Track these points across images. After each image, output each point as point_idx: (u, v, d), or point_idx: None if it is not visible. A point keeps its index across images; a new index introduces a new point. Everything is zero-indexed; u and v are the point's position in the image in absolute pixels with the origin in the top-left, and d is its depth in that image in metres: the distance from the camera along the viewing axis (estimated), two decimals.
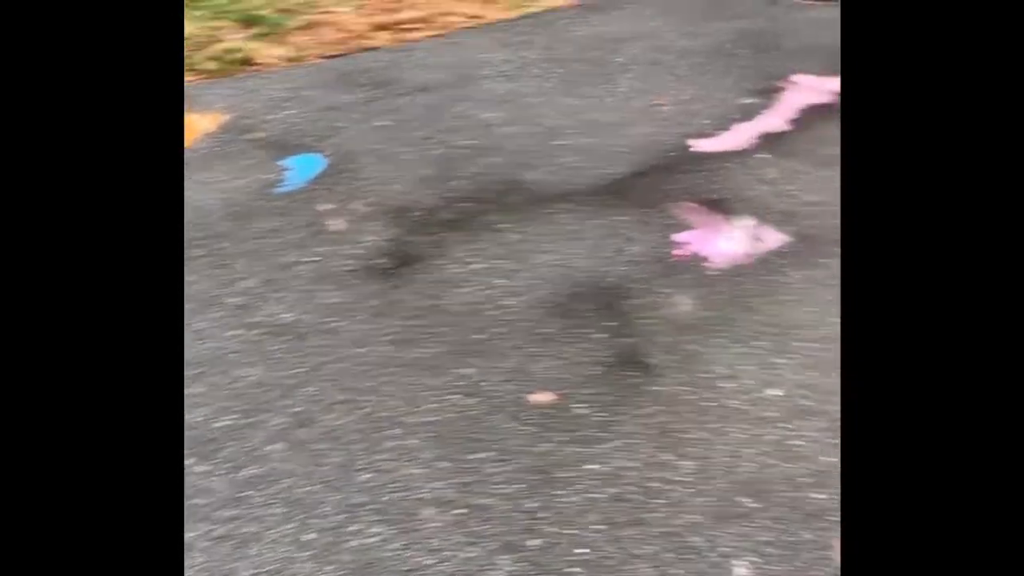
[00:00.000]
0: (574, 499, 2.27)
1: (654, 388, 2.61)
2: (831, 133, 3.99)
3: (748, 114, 4.22)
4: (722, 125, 4.13)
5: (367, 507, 2.28)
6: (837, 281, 3.01)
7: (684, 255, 3.21)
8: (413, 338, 2.88)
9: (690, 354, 2.73)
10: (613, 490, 2.28)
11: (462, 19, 5.94)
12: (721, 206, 3.49)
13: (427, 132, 4.28)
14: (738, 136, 4.03)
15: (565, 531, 2.18)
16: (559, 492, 2.29)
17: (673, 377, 2.65)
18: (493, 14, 6.01)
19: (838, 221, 3.32)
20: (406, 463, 2.41)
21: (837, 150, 3.91)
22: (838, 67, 4.63)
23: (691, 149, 3.94)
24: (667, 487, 2.28)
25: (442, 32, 5.74)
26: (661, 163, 3.85)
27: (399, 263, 3.29)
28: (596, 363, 2.72)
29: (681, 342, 2.78)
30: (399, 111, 4.51)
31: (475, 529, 2.20)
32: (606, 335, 2.84)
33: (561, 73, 4.86)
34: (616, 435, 2.45)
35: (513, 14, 5.97)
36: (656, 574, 2.06)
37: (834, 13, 5.31)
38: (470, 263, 3.26)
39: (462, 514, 2.25)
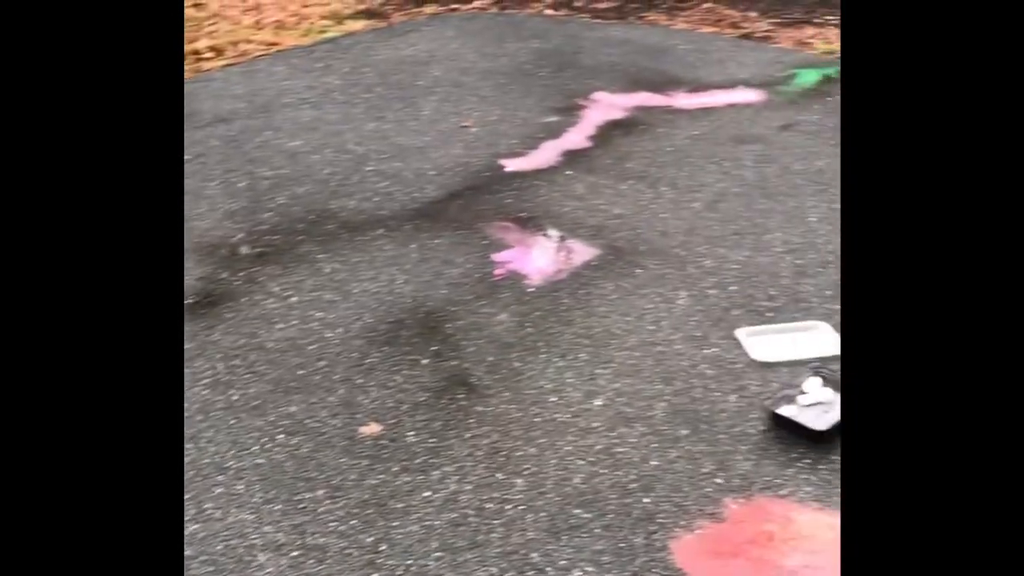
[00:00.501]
0: (412, 528, 2.26)
1: (481, 409, 2.63)
2: (629, 148, 4.17)
3: (553, 132, 4.35)
4: (529, 144, 4.23)
5: (198, 559, 2.18)
6: (647, 289, 3.14)
7: (502, 274, 3.27)
8: (232, 379, 2.79)
9: (515, 372, 2.78)
10: (450, 515, 2.29)
11: (258, 47, 5.82)
12: (534, 224, 3.58)
13: (231, 164, 4.16)
14: (545, 154, 4.14)
15: (406, 562, 2.17)
16: (395, 524, 2.27)
17: (500, 396, 2.68)
18: (289, 41, 5.93)
19: (643, 232, 3.48)
20: (235, 509, 2.33)
21: (636, 164, 4.09)
22: (633, 83, 4.86)
23: (501, 169, 4.02)
24: (502, 506, 2.31)
25: (238, 60, 5.60)
26: (473, 184, 3.90)
27: (212, 302, 3.17)
28: (423, 389, 2.72)
29: (505, 361, 2.83)
30: (199, 144, 4.36)
31: (311, 571, 2.15)
32: (431, 360, 2.84)
33: (366, 98, 4.84)
34: (448, 460, 2.46)
35: (309, 40, 5.91)
36: None
37: (626, 32, 5.56)
38: (287, 297, 3.19)
39: (297, 557, 2.19)
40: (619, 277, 3.23)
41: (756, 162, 4.01)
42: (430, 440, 2.53)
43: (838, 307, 3.01)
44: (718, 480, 2.36)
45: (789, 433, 2.50)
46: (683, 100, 4.66)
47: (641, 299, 3.11)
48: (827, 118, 4.39)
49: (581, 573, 2.12)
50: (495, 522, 2.27)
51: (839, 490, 2.30)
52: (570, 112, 4.56)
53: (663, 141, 4.24)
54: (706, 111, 4.54)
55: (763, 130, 4.30)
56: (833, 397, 2.58)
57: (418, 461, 2.46)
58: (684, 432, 2.52)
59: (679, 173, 3.94)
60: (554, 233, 3.51)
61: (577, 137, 4.31)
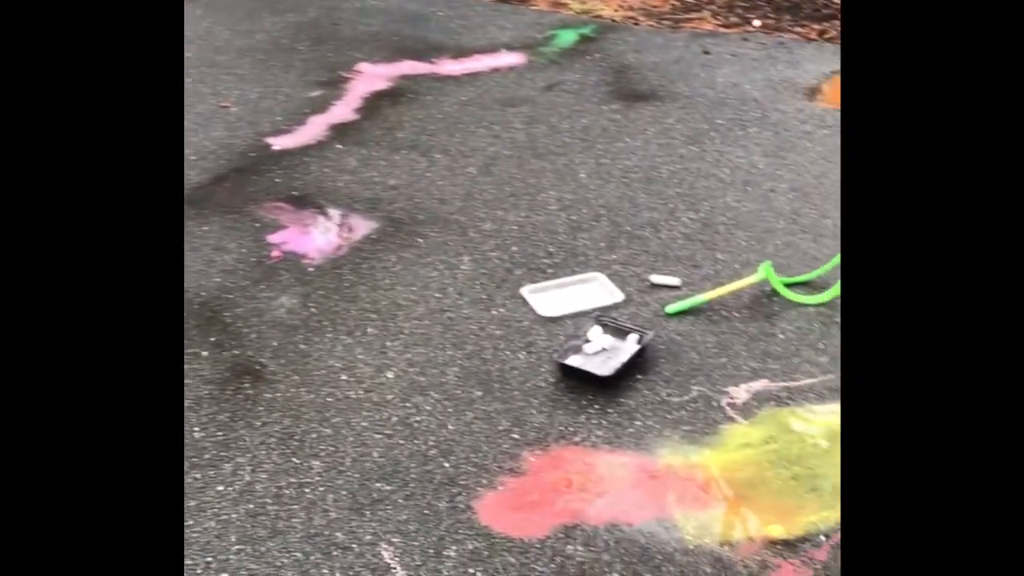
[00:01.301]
0: (208, 525, 2.15)
1: (270, 395, 2.55)
2: (399, 118, 4.14)
3: (318, 107, 4.24)
4: (295, 120, 4.10)
5: None
6: (431, 257, 3.14)
7: (279, 256, 3.16)
8: None
9: (302, 354, 2.70)
10: (247, 507, 2.20)
11: None
12: (308, 201, 3.48)
13: None
14: (312, 130, 4.03)
15: (205, 560, 2.07)
16: (190, 523, 2.16)
17: (288, 380, 2.60)
18: None
19: (421, 201, 3.46)
20: None
21: (407, 133, 4.05)
22: (396, 52, 4.81)
23: (267, 148, 3.88)
24: (301, 490, 2.25)
25: None
26: (239, 166, 3.74)
27: None
28: (206, 382, 2.60)
29: (291, 344, 2.75)
30: None
31: None
32: (212, 351, 2.72)
33: None
34: (239, 451, 2.36)
35: None
36: None
37: (385, 1, 5.48)
38: None
39: None
40: (401, 248, 3.20)
41: (525, 123, 4.07)
42: (218, 434, 2.42)
43: (613, 257, 3.12)
44: (515, 436, 2.40)
45: (578, 382, 2.57)
46: (448, 67, 4.67)
47: (425, 268, 3.10)
48: (587, 76, 4.52)
49: (388, 545, 2.10)
50: (295, 507, 2.20)
51: (630, 431, 2.40)
52: (334, 85, 4.46)
53: (432, 109, 4.22)
54: (472, 76, 4.56)
55: (528, 91, 4.38)
56: (615, 343, 2.68)
57: (207, 456, 2.35)
58: (478, 394, 2.54)
59: (451, 139, 3.95)
60: (330, 209, 3.43)
61: (344, 110, 4.22)
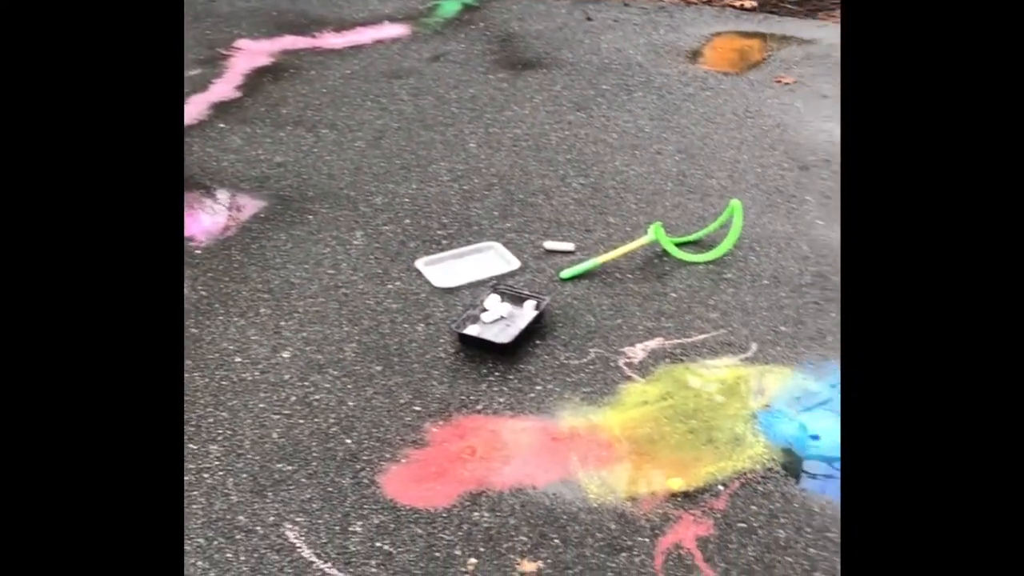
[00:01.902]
0: None
1: None
2: (282, 94, 4.05)
3: (198, 85, 4.11)
4: None
5: None
6: (322, 234, 3.09)
7: None
8: None
9: (193, 338, 2.63)
10: None
11: None
12: (193, 183, 3.38)
13: None
14: (193, 109, 3.91)
15: None
16: None
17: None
18: None
19: (310, 178, 3.40)
20: None
21: (291, 109, 3.96)
22: (276, 27, 4.69)
23: None
24: (200, 476, 2.20)
25: None
26: None
27: None
28: None
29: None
30: None
31: None
32: None
33: None
34: None
35: None
36: (210, 566, 1.98)
37: None
38: None
39: None
40: (291, 226, 3.14)
41: (412, 95, 4.03)
42: None
43: (507, 226, 3.13)
44: (416, 408, 2.39)
45: (478, 350, 2.58)
46: (330, 40, 4.58)
47: (317, 245, 3.05)
48: (473, 46, 4.50)
49: (292, 525, 2.07)
50: (194, 493, 2.15)
51: (531, 396, 2.42)
52: (214, 63, 4.33)
53: (316, 83, 4.14)
54: (355, 49, 4.49)
55: (414, 63, 4.33)
56: (513, 310, 2.69)
57: None
58: (377, 368, 2.53)
59: (337, 114, 3.88)
60: (216, 190, 3.34)
61: (225, 88, 4.11)
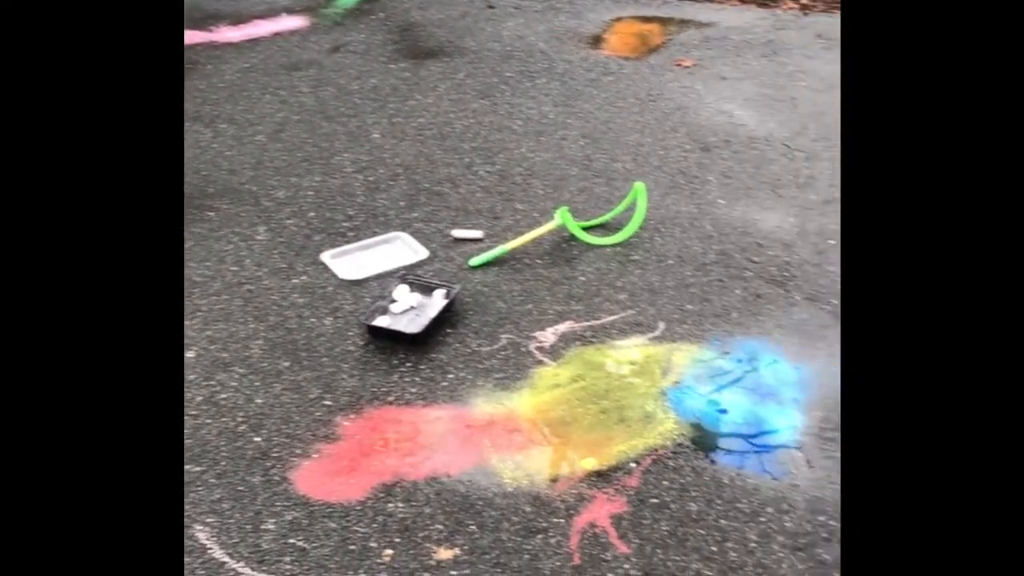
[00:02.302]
0: None
1: None
2: None
3: None
4: None
5: None
6: (224, 231, 3.02)
7: None
8: None
9: None
10: None
11: None
12: None
13: None
14: None
15: None
16: None
17: None
18: None
19: (210, 174, 3.32)
20: None
21: (189, 104, 3.85)
22: None
23: None
24: None
25: None
26: None
27: None
28: None
29: None
30: None
31: None
32: None
33: None
34: None
35: None
36: None
37: None
38: None
39: None
40: (191, 223, 3.06)
41: (312, 87, 3.97)
42: None
43: (414, 215, 3.10)
44: (327, 402, 2.36)
45: (388, 342, 2.55)
46: (227, 34, 4.48)
47: (219, 242, 2.98)
48: (373, 36, 4.45)
49: (202, 526, 2.02)
50: None
51: (443, 385, 2.41)
52: None
53: (213, 78, 4.05)
54: (253, 42, 4.40)
55: (313, 55, 4.27)
56: (422, 300, 2.67)
57: None
58: (285, 364, 2.48)
59: (236, 108, 3.80)
60: None
61: None
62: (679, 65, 4.18)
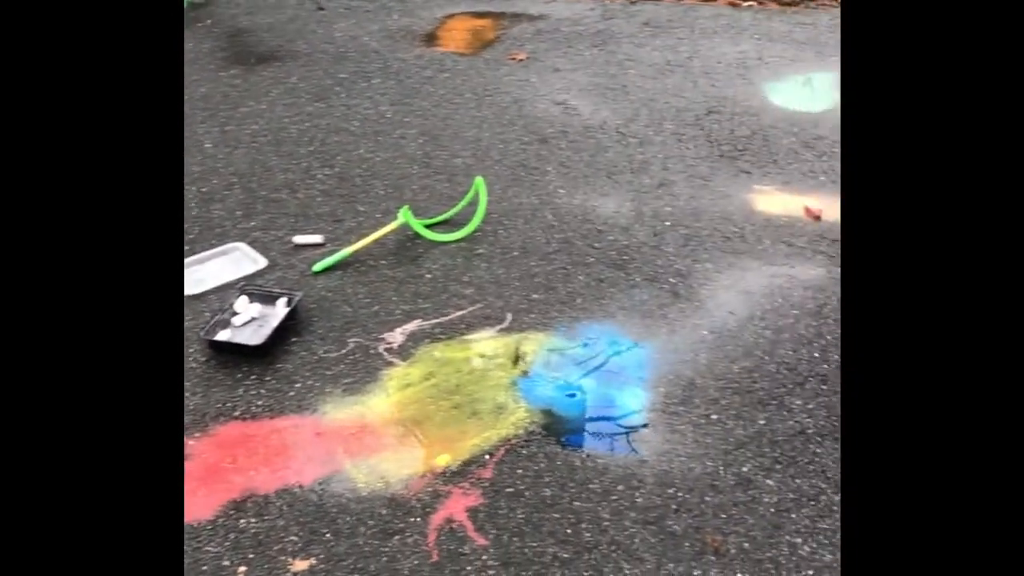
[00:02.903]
0: None
1: None
2: None
3: None
4: None
5: None
6: None
7: None
8: None
9: None
10: None
11: None
12: None
13: None
14: None
15: None
16: None
17: None
18: None
19: None
20: None
21: None
22: None
23: None
24: None
25: None
26: None
27: None
28: None
29: None
30: None
31: None
32: None
33: None
34: None
35: None
36: None
37: None
38: None
39: None
40: None
41: None
42: None
43: (252, 224, 3.03)
44: None
45: (231, 356, 2.49)
46: None
47: None
48: (201, 44, 4.32)
49: None
50: None
51: (291, 395, 2.36)
52: None
53: None
54: None
55: None
56: (264, 310, 2.62)
57: None
58: None
59: None
60: None
61: None
62: (513, 59, 4.23)
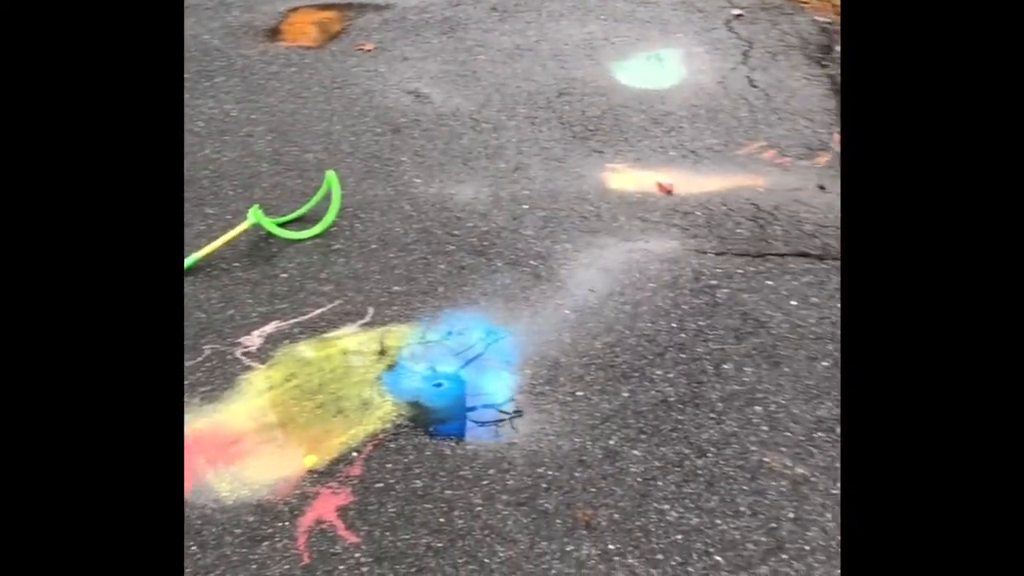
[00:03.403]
0: None
1: None
2: None
3: None
4: None
5: None
6: None
7: None
8: None
9: None
10: None
11: None
12: None
13: None
14: None
15: None
16: None
17: None
18: None
19: None
20: None
21: None
22: None
23: None
24: None
25: None
26: None
27: None
28: None
29: None
30: None
31: None
32: None
33: None
34: None
35: None
36: None
37: None
38: None
39: None
40: None
41: None
42: None
43: None
44: None
45: None
46: None
47: None
48: None
49: None
50: None
51: None
52: None
53: None
54: None
55: None
56: None
57: None
58: None
59: None
60: None
61: None
62: (361, 50, 4.17)
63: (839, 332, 2.54)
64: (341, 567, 1.89)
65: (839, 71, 4.09)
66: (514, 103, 3.73)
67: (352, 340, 2.50)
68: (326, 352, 2.46)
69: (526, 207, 3.07)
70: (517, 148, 3.42)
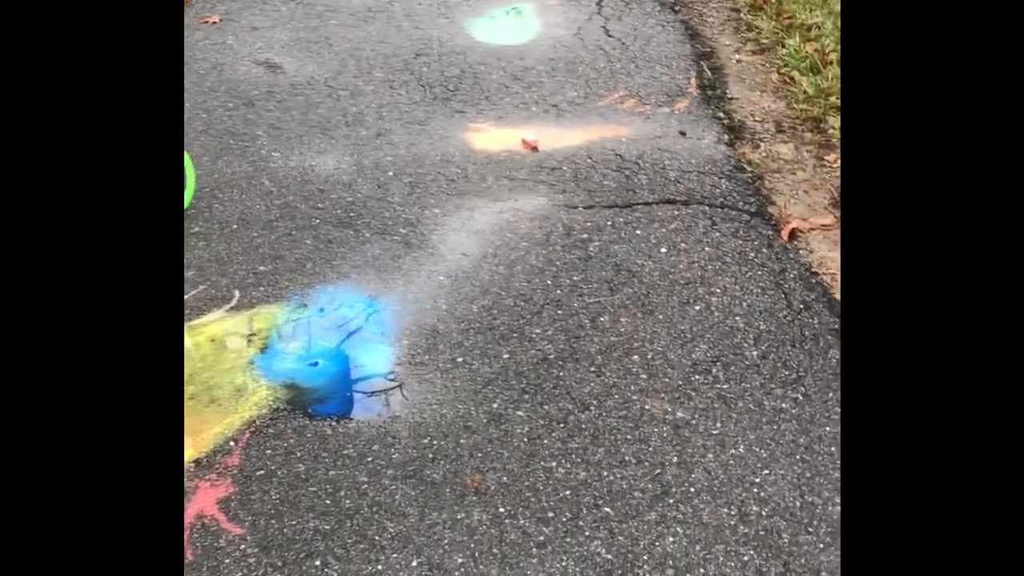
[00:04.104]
0: None
1: None
2: None
3: None
4: None
5: None
6: None
7: None
8: None
9: None
10: None
11: None
12: None
13: None
14: None
15: None
16: None
17: None
18: None
19: None
20: None
21: None
22: None
23: None
24: None
25: None
26: None
27: None
28: None
29: None
30: None
31: None
32: None
33: None
34: None
35: None
36: None
37: None
38: None
39: None
40: None
41: None
42: None
43: None
44: None
45: None
46: None
47: None
48: None
49: None
50: None
51: None
52: None
53: None
54: None
55: None
56: None
57: None
58: None
59: None
60: None
61: None
62: (206, 22, 3.99)
63: (708, 275, 2.59)
64: (227, 560, 1.83)
65: (692, 16, 4.15)
66: (370, 67, 3.64)
67: (220, 326, 2.41)
68: (193, 340, 2.37)
69: (391, 174, 3.01)
70: (377, 114, 3.34)
